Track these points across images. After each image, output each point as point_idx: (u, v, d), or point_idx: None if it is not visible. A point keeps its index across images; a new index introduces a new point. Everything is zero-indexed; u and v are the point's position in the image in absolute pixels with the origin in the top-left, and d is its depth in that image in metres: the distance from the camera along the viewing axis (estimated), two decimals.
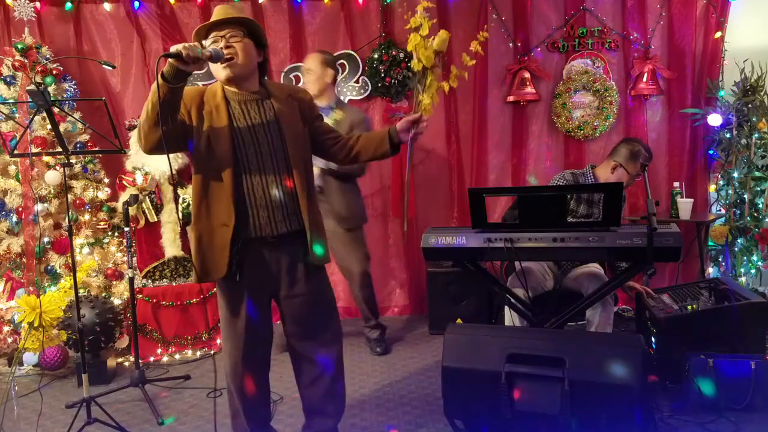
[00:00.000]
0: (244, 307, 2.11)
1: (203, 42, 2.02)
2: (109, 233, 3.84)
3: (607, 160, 3.11)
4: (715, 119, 3.97)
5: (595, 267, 3.11)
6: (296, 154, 2.09)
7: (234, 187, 2.00)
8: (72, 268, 2.73)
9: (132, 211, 3.65)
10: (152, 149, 1.94)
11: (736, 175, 3.98)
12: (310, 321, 2.20)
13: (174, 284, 3.71)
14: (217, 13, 2.04)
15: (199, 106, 2.03)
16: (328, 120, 3.33)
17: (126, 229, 3.07)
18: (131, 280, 3.10)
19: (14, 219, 3.63)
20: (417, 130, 2.21)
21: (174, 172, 3.82)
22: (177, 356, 3.65)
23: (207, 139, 2.01)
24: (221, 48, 1.97)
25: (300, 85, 3.32)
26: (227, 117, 2.02)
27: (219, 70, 2.03)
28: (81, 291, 3.45)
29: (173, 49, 1.77)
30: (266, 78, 2.20)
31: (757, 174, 3.91)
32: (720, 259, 4.10)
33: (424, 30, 2.28)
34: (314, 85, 3.34)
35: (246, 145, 2.03)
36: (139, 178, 3.74)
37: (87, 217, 3.79)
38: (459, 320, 3.73)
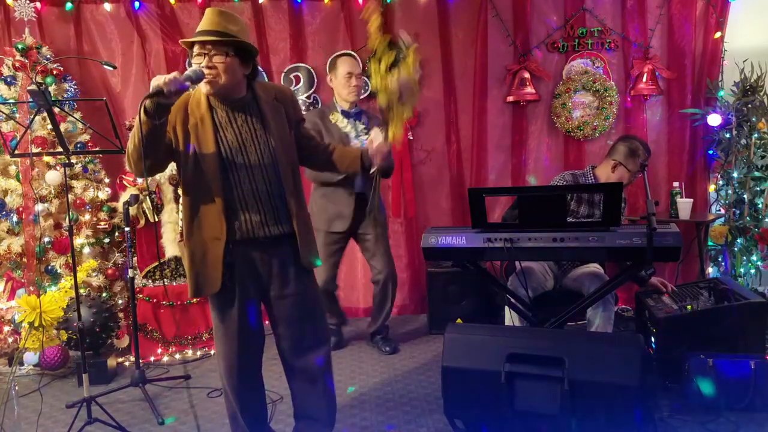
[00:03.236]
0: (236, 309, 2.10)
1: (191, 51, 1.99)
2: (110, 233, 3.84)
3: (606, 159, 3.12)
4: (714, 119, 3.97)
5: (595, 267, 3.11)
6: (284, 158, 2.09)
7: (224, 199, 2.01)
8: (72, 268, 2.73)
9: (132, 211, 3.64)
10: (142, 175, 1.97)
11: (735, 175, 3.98)
12: (300, 322, 2.19)
13: (174, 284, 3.71)
14: (204, 21, 1.99)
15: (184, 120, 2.01)
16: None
17: (126, 229, 3.07)
18: (131, 280, 3.10)
19: (15, 219, 3.63)
20: (381, 164, 2.22)
21: (176, 178, 3.82)
22: (177, 356, 3.65)
23: (194, 153, 2.00)
24: (202, 67, 1.93)
25: (346, 90, 3.35)
26: (212, 128, 2.00)
27: (201, 84, 1.98)
28: (81, 291, 3.45)
29: (153, 85, 1.77)
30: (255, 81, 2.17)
31: (757, 174, 3.92)
32: (720, 259, 4.10)
33: (380, 53, 2.20)
34: (359, 91, 3.39)
35: (234, 153, 2.02)
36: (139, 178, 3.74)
37: (87, 217, 3.79)
38: (459, 320, 3.74)
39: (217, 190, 2.00)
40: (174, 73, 1.81)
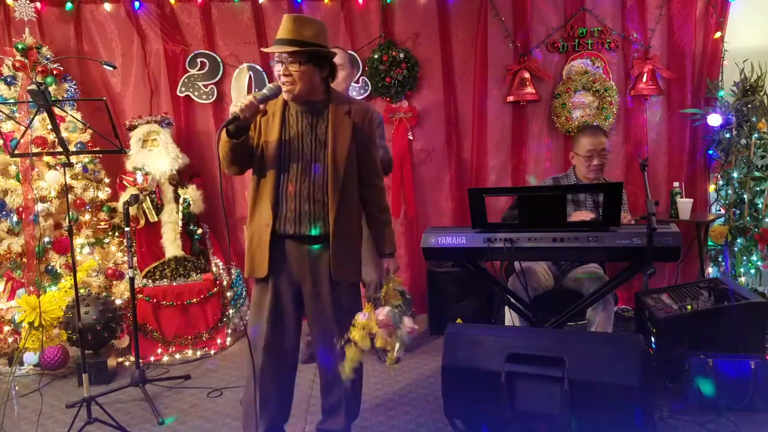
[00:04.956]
0: (269, 297, 2.19)
1: (272, 60, 2.14)
2: (110, 233, 3.84)
3: None
4: (714, 119, 3.97)
5: (594, 267, 3.12)
6: (334, 168, 2.14)
7: (274, 189, 2.13)
8: (72, 268, 2.73)
9: (132, 211, 3.64)
10: (235, 174, 2.26)
11: (735, 175, 3.98)
12: (330, 322, 2.21)
13: (174, 284, 3.71)
14: (281, 29, 2.09)
15: (262, 114, 2.16)
16: None
17: (126, 229, 3.07)
18: (131, 280, 3.10)
19: (15, 219, 3.63)
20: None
21: (174, 172, 3.84)
22: (177, 356, 3.65)
23: (262, 144, 2.15)
24: (279, 74, 2.07)
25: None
26: (280, 124, 2.14)
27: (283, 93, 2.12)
28: (81, 291, 3.45)
29: (231, 112, 1.97)
30: (332, 86, 2.25)
31: (757, 174, 3.92)
32: (720, 259, 4.10)
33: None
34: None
35: (291, 151, 2.14)
36: (139, 178, 3.74)
37: (87, 217, 3.79)
38: (459, 320, 3.74)
39: (270, 181, 2.14)
40: (249, 98, 1.99)
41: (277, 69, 2.09)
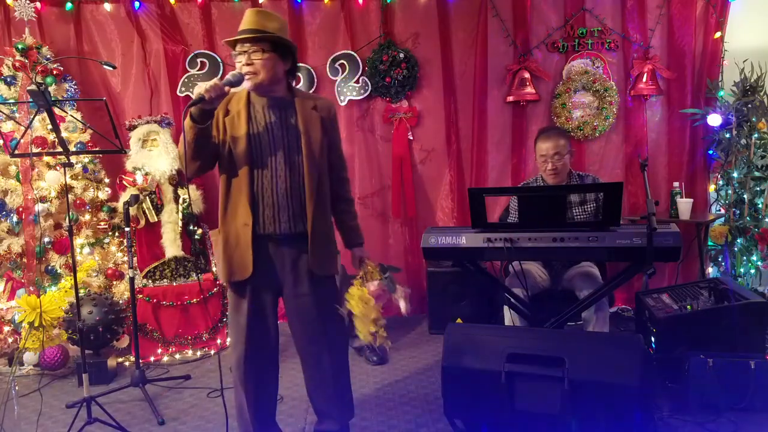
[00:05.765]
0: (247, 300, 2.16)
1: (233, 52, 2.11)
2: (110, 233, 3.85)
3: None
4: (714, 119, 3.97)
5: (588, 266, 3.11)
6: (311, 161, 2.13)
7: (249, 187, 2.09)
8: (72, 268, 2.73)
9: (132, 211, 3.64)
10: (192, 176, 2.12)
11: (735, 175, 3.98)
12: (314, 323, 2.21)
13: (174, 284, 3.71)
14: (244, 21, 2.09)
15: (225, 114, 2.13)
16: None
17: (126, 229, 3.07)
18: (131, 280, 3.10)
19: (15, 219, 3.63)
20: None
21: (174, 172, 3.83)
22: (177, 356, 3.65)
23: (228, 144, 2.10)
24: (242, 66, 2.05)
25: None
26: (246, 121, 2.11)
27: (245, 82, 2.09)
28: (81, 291, 3.45)
29: (195, 93, 1.92)
30: (294, 83, 2.25)
31: (757, 174, 3.91)
32: (720, 259, 4.10)
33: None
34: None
35: (262, 147, 2.11)
36: (139, 178, 3.74)
37: (87, 217, 3.79)
38: (459, 320, 3.74)
39: (245, 180, 2.09)
40: (214, 80, 1.95)
41: (239, 60, 2.07)
